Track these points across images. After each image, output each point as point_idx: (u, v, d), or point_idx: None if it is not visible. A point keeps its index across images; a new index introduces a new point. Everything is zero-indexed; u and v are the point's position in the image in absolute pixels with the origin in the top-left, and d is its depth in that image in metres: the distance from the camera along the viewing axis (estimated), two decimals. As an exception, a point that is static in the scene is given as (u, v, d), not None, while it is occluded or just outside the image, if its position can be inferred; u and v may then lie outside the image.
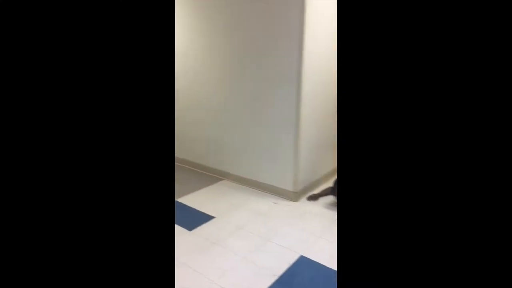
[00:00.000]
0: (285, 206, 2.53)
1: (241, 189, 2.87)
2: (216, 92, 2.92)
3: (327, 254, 1.88)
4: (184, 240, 2.03)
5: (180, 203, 2.56)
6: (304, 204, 2.59)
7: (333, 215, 2.39)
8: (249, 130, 2.78)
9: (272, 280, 1.65)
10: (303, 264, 1.79)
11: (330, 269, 1.75)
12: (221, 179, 3.07)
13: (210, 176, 3.15)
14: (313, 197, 2.65)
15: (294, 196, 2.60)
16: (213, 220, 2.30)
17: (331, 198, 2.61)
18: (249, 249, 1.93)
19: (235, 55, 2.69)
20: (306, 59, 2.33)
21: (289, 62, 2.36)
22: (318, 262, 1.81)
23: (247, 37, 2.57)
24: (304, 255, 1.87)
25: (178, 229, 2.15)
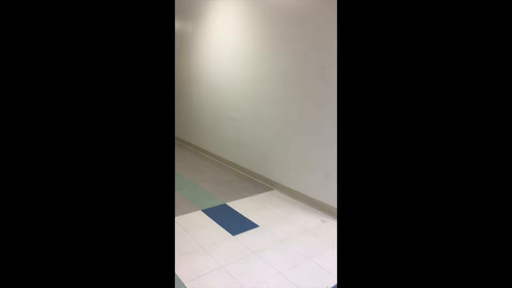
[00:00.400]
0: (332, 226, 2.40)
1: (290, 201, 2.82)
2: (276, 106, 2.96)
3: (371, 286, 1.71)
4: (226, 244, 2.08)
5: (228, 207, 2.64)
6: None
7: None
8: (304, 145, 2.73)
9: (305, 301, 1.57)
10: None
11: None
12: (271, 189, 3.08)
13: (261, 184, 3.18)
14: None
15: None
16: (257, 228, 2.30)
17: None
18: (287, 264, 1.88)
19: (293, 71, 2.69)
20: None
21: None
22: None
23: (299, 52, 2.55)
24: (345, 281, 1.75)
25: (223, 232, 2.22)
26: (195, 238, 2.14)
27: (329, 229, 2.35)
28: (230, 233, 2.21)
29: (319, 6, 2.44)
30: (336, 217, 2.49)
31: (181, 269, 1.76)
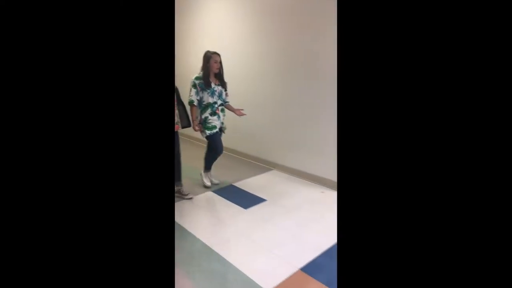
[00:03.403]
0: (332, 196, 2.72)
1: (290, 178, 3.12)
2: (268, 92, 3.21)
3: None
4: (241, 216, 2.34)
5: (235, 186, 2.90)
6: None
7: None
8: (300, 125, 3.02)
9: (318, 253, 1.88)
10: (347, 243, 1.99)
11: (373, 249, 1.92)
12: (271, 169, 3.36)
13: (261, 166, 3.45)
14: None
15: (334, 184, 2.77)
16: (265, 202, 2.58)
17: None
18: (297, 227, 2.18)
19: (285, 57, 2.95)
20: None
21: (330, 65, 2.54)
22: (361, 243, 1.99)
23: (294, 41, 2.81)
24: (348, 236, 2.07)
25: (235, 208, 2.47)
26: (213, 214, 2.39)
27: (328, 198, 2.67)
28: (243, 207, 2.48)
29: (308, -1, 2.69)
30: (336, 189, 2.82)
31: (207, 238, 2.01)
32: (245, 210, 2.44)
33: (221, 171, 3.17)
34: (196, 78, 2.56)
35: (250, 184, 2.96)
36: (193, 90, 2.56)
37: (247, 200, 2.61)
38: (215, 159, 2.82)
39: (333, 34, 2.56)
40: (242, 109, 2.73)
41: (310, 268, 1.73)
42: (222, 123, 2.72)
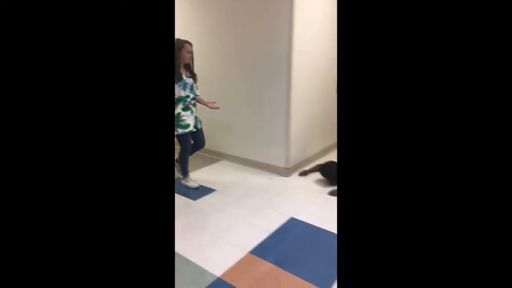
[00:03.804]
0: (278, 181, 2.84)
1: (239, 167, 3.17)
2: (215, 82, 3.19)
3: (313, 217, 2.19)
4: (190, 207, 2.33)
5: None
6: (295, 179, 2.90)
7: (320, 188, 2.70)
8: (246, 116, 3.06)
9: (266, 234, 1.96)
10: (292, 224, 2.11)
11: (316, 226, 2.06)
12: (220, 160, 3.37)
13: (210, 157, 3.44)
14: (304, 173, 2.95)
15: (286, 172, 2.91)
16: (215, 192, 2.59)
17: (319, 175, 2.92)
18: (247, 214, 2.24)
19: (233, 48, 2.96)
20: (295, 58, 2.61)
21: (279, 61, 2.63)
22: (305, 222, 2.12)
23: (241, 34, 2.83)
24: (294, 217, 2.19)
25: (183, 200, 2.45)
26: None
27: (275, 184, 2.78)
28: (191, 199, 2.46)
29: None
30: (283, 175, 2.93)
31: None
32: (194, 201, 2.43)
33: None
34: None
35: (199, 176, 2.94)
36: None
37: (196, 191, 2.60)
38: (187, 158, 2.64)
39: (285, 28, 2.62)
40: (214, 102, 2.58)
41: (259, 250, 1.80)
42: (196, 117, 2.54)
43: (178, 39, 2.36)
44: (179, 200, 2.44)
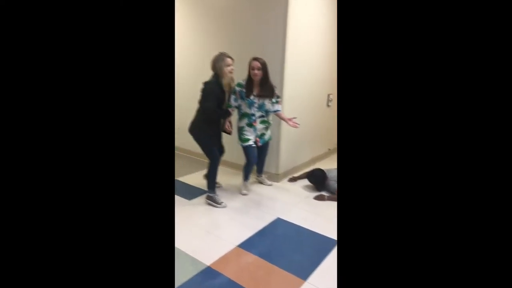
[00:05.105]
0: (268, 185, 3.02)
1: (231, 172, 3.35)
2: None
3: (298, 218, 2.37)
4: (185, 206, 2.50)
5: (180, 181, 3.03)
6: (284, 184, 3.09)
7: (307, 193, 2.89)
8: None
9: (253, 232, 2.14)
10: (278, 223, 2.29)
11: (300, 226, 2.24)
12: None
13: (204, 161, 3.62)
14: (293, 179, 3.15)
15: (276, 177, 3.10)
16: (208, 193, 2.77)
17: (307, 182, 3.10)
18: (237, 213, 2.41)
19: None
20: (287, 71, 2.83)
21: (272, 73, 2.85)
22: (291, 222, 2.30)
23: (234, 36, 3.07)
24: (280, 217, 2.37)
25: (179, 199, 2.62)
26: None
27: (265, 187, 2.95)
28: (186, 199, 2.63)
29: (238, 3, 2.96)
30: (271, 179, 3.11)
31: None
32: (188, 201, 2.60)
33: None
34: (238, 84, 2.50)
35: (194, 179, 3.11)
36: (232, 97, 2.51)
37: (191, 192, 2.77)
38: (251, 170, 2.77)
39: (278, 41, 2.86)
40: (295, 117, 2.58)
41: (246, 245, 1.97)
42: (263, 134, 2.64)
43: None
44: (175, 200, 2.62)
